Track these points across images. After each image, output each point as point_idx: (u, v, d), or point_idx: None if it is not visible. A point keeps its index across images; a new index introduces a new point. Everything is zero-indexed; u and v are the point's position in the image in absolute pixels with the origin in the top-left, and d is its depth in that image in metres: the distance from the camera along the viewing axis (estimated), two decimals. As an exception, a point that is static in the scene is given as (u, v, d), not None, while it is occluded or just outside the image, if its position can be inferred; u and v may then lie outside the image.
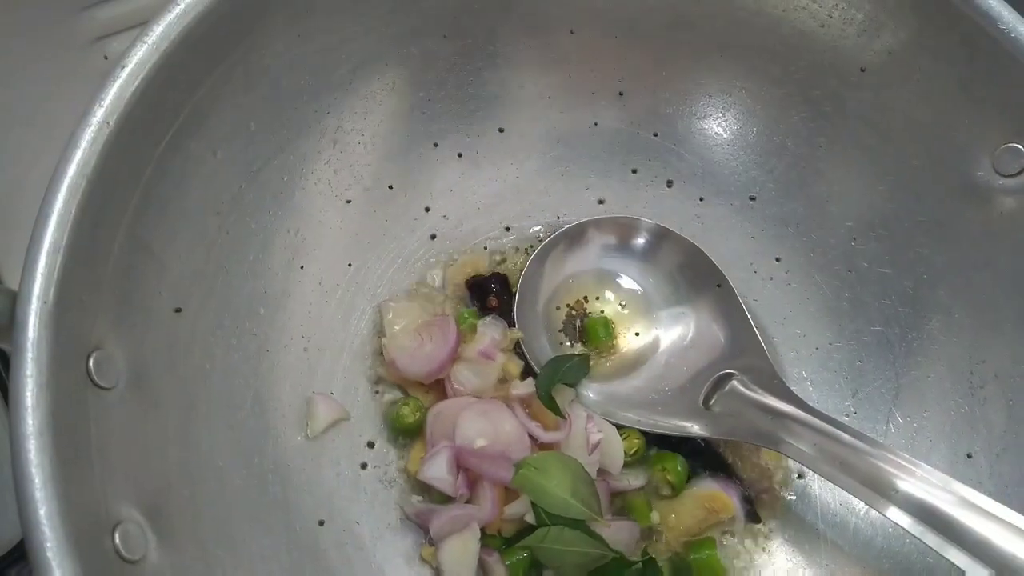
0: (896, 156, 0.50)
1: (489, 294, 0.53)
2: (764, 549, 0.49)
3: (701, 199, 0.56)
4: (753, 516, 0.50)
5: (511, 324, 0.52)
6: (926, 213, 0.50)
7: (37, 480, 0.32)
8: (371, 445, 0.50)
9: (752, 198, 0.55)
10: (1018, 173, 0.46)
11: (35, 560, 0.31)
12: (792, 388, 0.52)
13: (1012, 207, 0.47)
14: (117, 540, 0.34)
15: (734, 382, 0.49)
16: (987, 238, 0.48)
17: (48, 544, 0.31)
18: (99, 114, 0.37)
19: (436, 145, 0.54)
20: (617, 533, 0.46)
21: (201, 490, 0.41)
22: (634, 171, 0.56)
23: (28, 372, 0.33)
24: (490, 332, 0.51)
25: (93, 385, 0.36)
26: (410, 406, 0.49)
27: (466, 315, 0.52)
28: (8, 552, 0.51)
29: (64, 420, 0.33)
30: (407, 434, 0.49)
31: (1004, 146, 0.46)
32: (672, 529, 0.48)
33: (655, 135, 0.56)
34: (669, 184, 0.56)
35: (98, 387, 0.36)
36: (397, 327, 0.51)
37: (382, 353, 0.51)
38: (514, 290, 0.53)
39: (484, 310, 0.53)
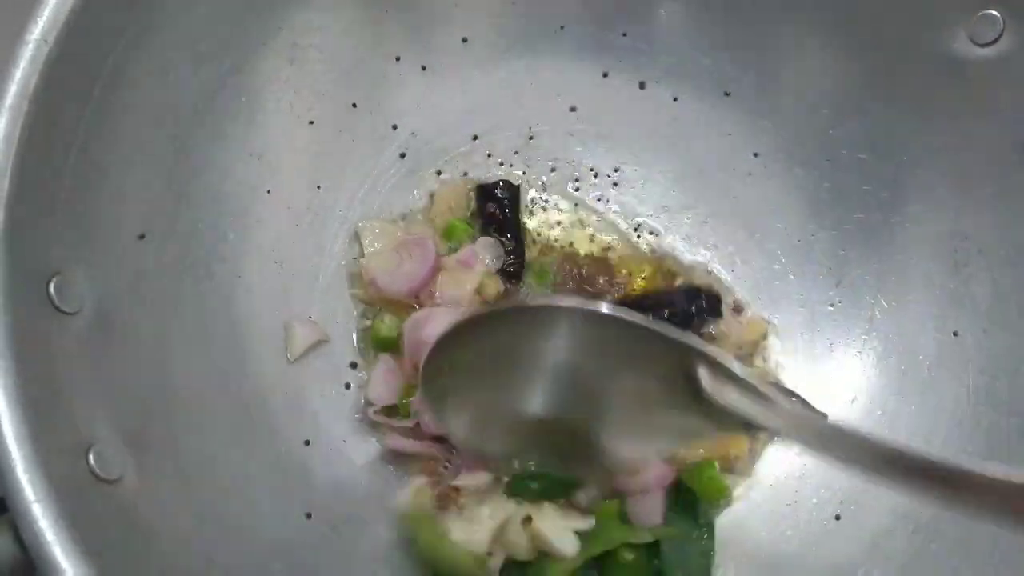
0: (870, 35, 0.48)
1: (492, 201, 0.52)
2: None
3: (675, 99, 0.55)
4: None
5: (511, 244, 0.51)
6: (902, 92, 0.49)
7: (2, 401, 0.31)
8: (354, 366, 0.49)
9: (727, 94, 0.54)
10: (994, 41, 0.45)
11: (4, 481, 0.31)
12: (775, 282, 0.53)
13: (988, 77, 0.45)
14: (92, 460, 0.34)
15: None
16: (965, 112, 0.47)
17: (15, 463, 0.31)
18: (36, 31, 0.36)
19: (398, 59, 0.52)
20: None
21: (179, 415, 0.41)
22: (605, 75, 0.55)
23: (-16, 296, 0.33)
24: (480, 251, 0.50)
25: (56, 310, 0.36)
26: (386, 321, 0.49)
27: (456, 224, 0.51)
28: None
29: (26, 342, 0.33)
30: (385, 348, 0.49)
31: (979, 14, 0.45)
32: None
33: (624, 35, 0.54)
34: (642, 86, 0.55)
35: (61, 312, 0.36)
36: (375, 247, 0.50)
37: (361, 274, 0.50)
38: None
39: (486, 219, 0.52)
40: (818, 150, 0.52)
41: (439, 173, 0.54)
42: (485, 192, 0.53)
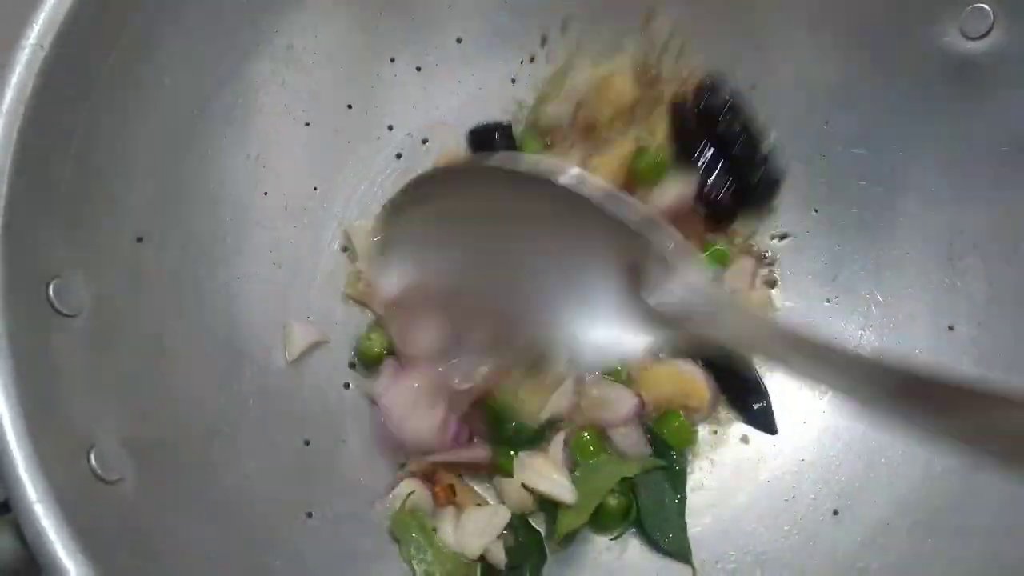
0: (862, 30, 0.49)
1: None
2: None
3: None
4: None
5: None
6: (896, 87, 0.49)
7: (2, 401, 0.32)
8: (352, 366, 0.50)
9: (721, 90, 0.54)
10: (985, 34, 0.45)
11: (6, 481, 0.31)
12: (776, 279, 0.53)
13: (980, 70, 0.45)
14: (92, 461, 0.35)
15: None
16: (958, 106, 0.47)
17: (17, 463, 0.31)
18: (32, 36, 0.36)
19: (393, 60, 0.52)
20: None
21: (179, 416, 0.41)
22: (598, 72, 0.55)
23: (-16, 298, 0.33)
24: None
25: (55, 312, 0.36)
26: (374, 339, 0.49)
27: None
28: None
29: (26, 345, 0.34)
30: (376, 364, 0.49)
31: (970, 8, 0.45)
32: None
33: (618, 32, 0.54)
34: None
35: (61, 314, 0.36)
36: (368, 247, 0.50)
37: (358, 279, 0.51)
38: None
39: None
40: (813, 145, 0.52)
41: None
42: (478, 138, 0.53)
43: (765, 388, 0.51)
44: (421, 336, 0.43)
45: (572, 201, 0.35)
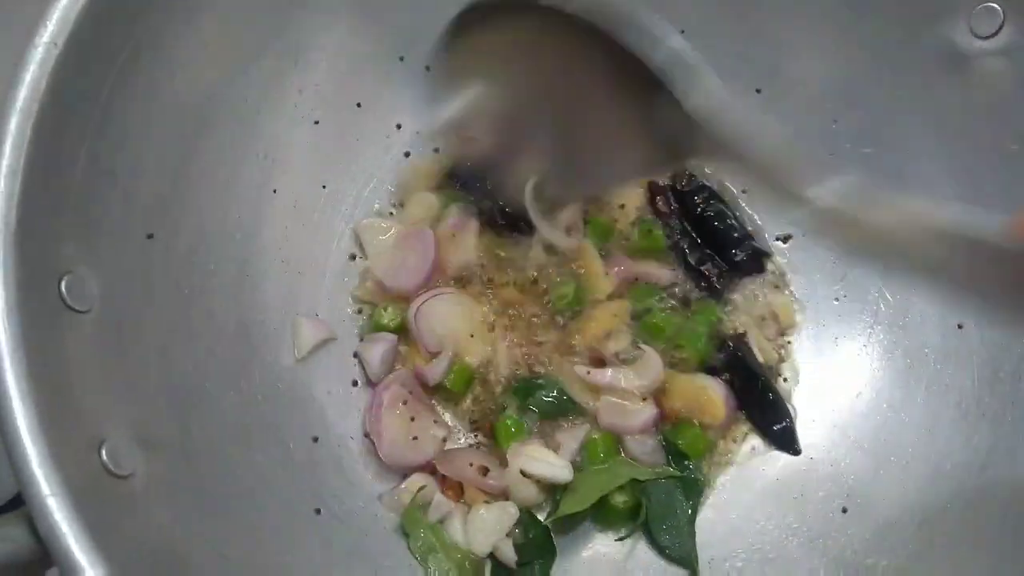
0: (871, 28, 0.49)
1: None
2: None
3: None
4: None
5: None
6: (905, 85, 0.49)
7: (15, 396, 0.32)
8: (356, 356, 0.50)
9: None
10: (994, 33, 0.45)
11: (19, 475, 0.31)
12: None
13: (989, 70, 0.46)
14: (104, 456, 0.35)
15: None
16: (967, 104, 0.47)
17: (30, 457, 0.31)
18: (46, 35, 0.37)
19: (402, 59, 0.53)
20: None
21: (189, 411, 0.42)
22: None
23: (-2, 294, 0.33)
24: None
25: (67, 308, 0.36)
26: (388, 311, 0.50)
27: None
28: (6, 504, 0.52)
29: (38, 340, 0.34)
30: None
31: (980, 7, 0.45)
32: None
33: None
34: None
35: (72, 310, 0.37)
36: (376, 246, 0.51)
37: (367, 277, 0.51)
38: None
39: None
40: (822, 143, 0.52)
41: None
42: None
43: (786, 408, 0.50)
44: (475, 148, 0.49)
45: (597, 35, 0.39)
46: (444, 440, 0.49)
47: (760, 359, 0.51)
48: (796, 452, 0.50)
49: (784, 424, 0.50)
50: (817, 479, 0.49)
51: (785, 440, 0.50)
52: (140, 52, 0.41)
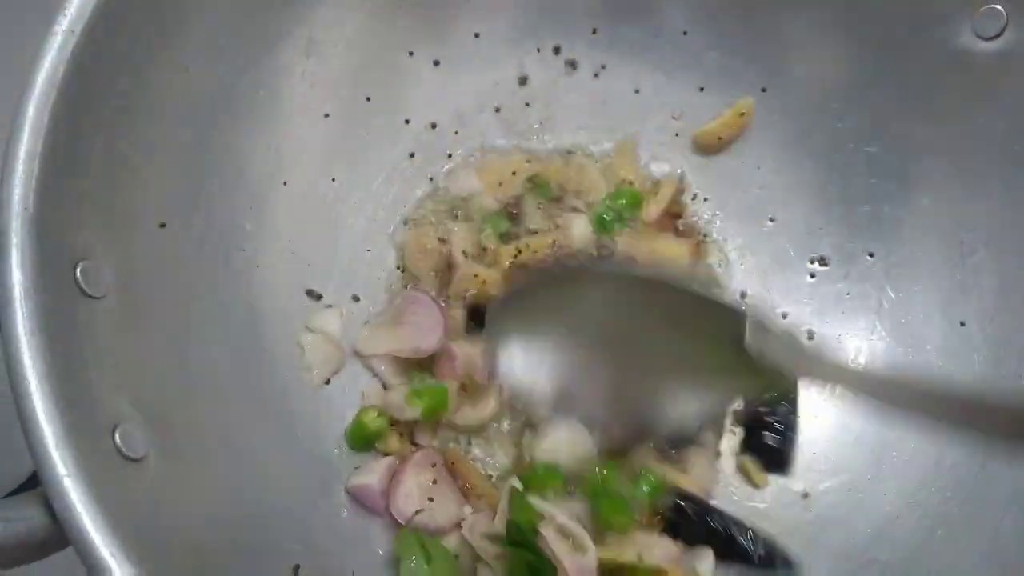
0: (876, 29, 0.49)
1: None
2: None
3: (702, 89, 0.55)
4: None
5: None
6: (909, 86, 0.49)
7: (31, 378, 0.32)
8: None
9: (734, 88, 0.55)
10: (998, 35, 0.46)
11: (36, 455, 0.32)
12: (785, 274, 0.54)
13: (993, 70, 0.46)
14: (118, 439, 0.35)
15: None
16: (970, 105, 0.48)
17: (47, 438, 0.32)
18: (64, 23, 0.37)
19: (411, 54, 0.53)
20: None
21: (199, 398, 0.42)
22: (604, 67, 0.56)
23: (15, 278, 0.33)
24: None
25: (82, 293, 0.37)
26: (373, 417, 0.48)
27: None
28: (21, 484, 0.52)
29: (54, 324, 0.34)
30: (367, 444, 0.48)
31: (983, 8, 0.45)
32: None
33: (631, 30, 0.55)
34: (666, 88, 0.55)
35: (88, 296, 0.37)
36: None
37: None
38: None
39: None
40: (826, 143, 0.53)
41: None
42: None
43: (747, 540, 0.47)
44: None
45: (670, 292, 0.45)
46: (459, 522, 0.46)
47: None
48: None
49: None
50: (819, 474, 0.49)
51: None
52: (155, 42, 0.41)
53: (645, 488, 0.47)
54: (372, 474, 0.46)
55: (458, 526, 0.46)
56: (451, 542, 0.46)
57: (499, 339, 0.46)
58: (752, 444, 0.50)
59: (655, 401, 0.46)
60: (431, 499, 0.46)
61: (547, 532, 0.43)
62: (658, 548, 0.46)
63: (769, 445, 0.50)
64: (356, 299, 0.51)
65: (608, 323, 0.45)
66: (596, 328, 0.45)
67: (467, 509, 0.47)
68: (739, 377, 0.43)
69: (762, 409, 0.50)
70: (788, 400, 0.50)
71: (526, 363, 0.46)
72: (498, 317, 0.47)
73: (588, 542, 0.43)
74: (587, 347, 0.45)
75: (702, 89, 0.55)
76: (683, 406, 0.45)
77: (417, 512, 0.45)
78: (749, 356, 0.41)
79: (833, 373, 0.40)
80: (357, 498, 0.46)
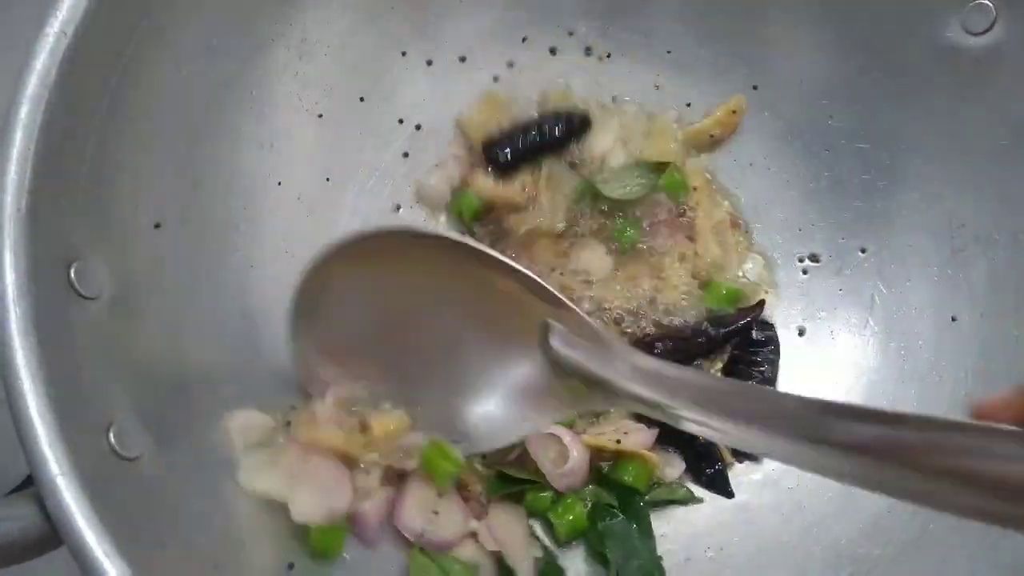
0: (865, 26, 0.50)
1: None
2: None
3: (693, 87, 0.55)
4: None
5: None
6: (899, 82, 0.50)
7: (25, 377, 0.32)
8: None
9: (726, 85, 0.55)
10: (986, 31, 0.46)
11: (29, 454, 0.32)
12: (777, 271, 0.54)
13: (982, 65, 0.46)
14: (112, 439, 0.35)
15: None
16: (960, 100, 0.48)
17: (40, 437, 0.32)
18: (56, 24, 0.37)
19: (404, 54, 0.53)
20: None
21: (195, 399, 0.42)
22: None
23: (8, 278, 0.34)
24: None
25: (76, 294, 0.37)
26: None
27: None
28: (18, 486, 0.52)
29: (48, 324, 0.34)
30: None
31: (972, 4, 0.46)
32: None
33: (623, 28, 0.55)
34: (657, 88, 0.56)
35: (81, 296, 0.37)
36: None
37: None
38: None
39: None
40: (817, 140, 0.53)
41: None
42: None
43: (718, 452, 0.50)
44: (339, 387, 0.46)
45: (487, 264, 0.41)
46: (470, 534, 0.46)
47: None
48: (729, 496, 0.49)
49: (716, 468, 0.50)
50: (812, 469, 0.49)
51: (718, 484, 0.50)
52: (148, 42, 0.41)
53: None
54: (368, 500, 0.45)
55: (472, 535, 0.46)
56: (467, 551, 0.46)
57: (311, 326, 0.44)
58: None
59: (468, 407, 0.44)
60: (436, 512, 0.46)
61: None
62: (637, 433, 0.48)
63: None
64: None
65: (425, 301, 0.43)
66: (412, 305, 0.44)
67: (473, 523, 0.47)
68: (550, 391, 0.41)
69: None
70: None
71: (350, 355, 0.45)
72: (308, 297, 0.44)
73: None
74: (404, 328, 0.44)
75: (694, 87, 0.55)
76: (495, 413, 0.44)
77: (422, 531, 0.45)
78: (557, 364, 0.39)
79: (636, 379, 0.37)
80: (354, 523, 0.45)
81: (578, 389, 0.40)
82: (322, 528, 0.42)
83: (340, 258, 0.43)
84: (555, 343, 0.40)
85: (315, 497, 0.42)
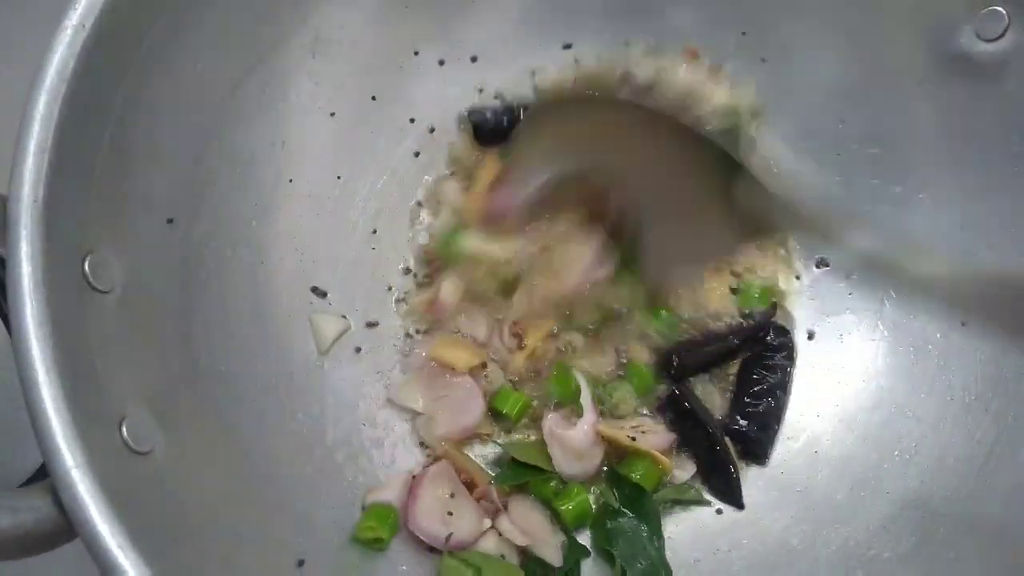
0: (878, 31, 0.50)
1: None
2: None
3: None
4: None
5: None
6: (911, 87, 0.50)
7: (39, 368, 0.32)
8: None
9: (737, 90, 0.55)
10: (999, 37, 0.46)
11: (44, 446, 0.32)
12: (792, 278, 0.54)
13: (995, 71, 0.46)
14: (125, 433, 0.35)
15: None
16: (972, 106, 0.48)
17: (54, 429, 0.32)
18: (74, 17, 0.37)
19: (417, 53, 0.53)
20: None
21: (206, 393, 0.42)
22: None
23: (24, 269, 0.34)
24: None
25: (90, 287, 0.37)
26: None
27: None
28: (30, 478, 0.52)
29: (63, 316, 0.34)
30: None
31: (985, 10, 0.46)
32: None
33: (635, 31, 0.55)
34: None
35: (95, 290, 0.37)
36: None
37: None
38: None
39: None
40: (829, 144, 0.53)
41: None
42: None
43: (732, 460, 0.50)
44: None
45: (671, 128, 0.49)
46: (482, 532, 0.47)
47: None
48: (740, 507, 0.49)
49: (729, 478, 0.49)
50: (821, 472, 0.49)
51: (729, 494, 0.49)
52: (164, 37, 0.41)
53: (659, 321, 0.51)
54: (388, 490, 0.46)
55: (494, 529, 0.46)
56: (489, 544, 0.46)
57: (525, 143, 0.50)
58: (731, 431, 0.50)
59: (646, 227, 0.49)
60: (451, 513, 0.46)
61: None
62: (654, 435, 0.49)
63: (748, 435, 0.50)
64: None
65: (619, 147, 0.49)
66: (608, 150, 0.49)
67: (487, 521, 0.47)
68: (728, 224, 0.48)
69: (747, 399, 0.51)
70: (776, 399, 0.51)
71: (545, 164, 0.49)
72: (527, 126, 0.51)
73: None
74: (598, 165, 0.49)
75: (704, 90, 0.55)
76: (672, 240, 0.49)
77: (449, 535, 0.45)
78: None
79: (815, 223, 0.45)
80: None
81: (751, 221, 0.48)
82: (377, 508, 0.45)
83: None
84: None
85: (449, 415, 0.48)
